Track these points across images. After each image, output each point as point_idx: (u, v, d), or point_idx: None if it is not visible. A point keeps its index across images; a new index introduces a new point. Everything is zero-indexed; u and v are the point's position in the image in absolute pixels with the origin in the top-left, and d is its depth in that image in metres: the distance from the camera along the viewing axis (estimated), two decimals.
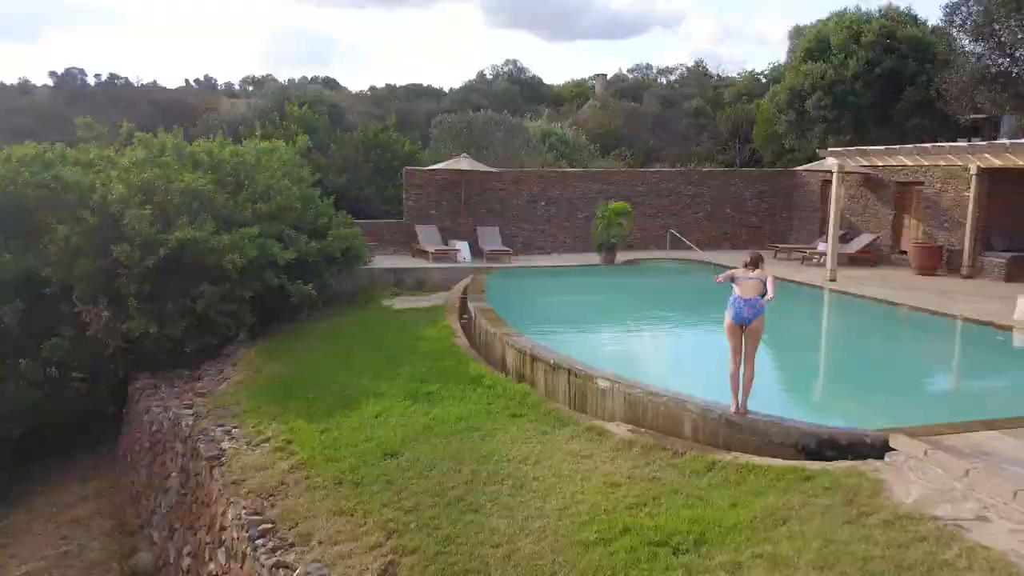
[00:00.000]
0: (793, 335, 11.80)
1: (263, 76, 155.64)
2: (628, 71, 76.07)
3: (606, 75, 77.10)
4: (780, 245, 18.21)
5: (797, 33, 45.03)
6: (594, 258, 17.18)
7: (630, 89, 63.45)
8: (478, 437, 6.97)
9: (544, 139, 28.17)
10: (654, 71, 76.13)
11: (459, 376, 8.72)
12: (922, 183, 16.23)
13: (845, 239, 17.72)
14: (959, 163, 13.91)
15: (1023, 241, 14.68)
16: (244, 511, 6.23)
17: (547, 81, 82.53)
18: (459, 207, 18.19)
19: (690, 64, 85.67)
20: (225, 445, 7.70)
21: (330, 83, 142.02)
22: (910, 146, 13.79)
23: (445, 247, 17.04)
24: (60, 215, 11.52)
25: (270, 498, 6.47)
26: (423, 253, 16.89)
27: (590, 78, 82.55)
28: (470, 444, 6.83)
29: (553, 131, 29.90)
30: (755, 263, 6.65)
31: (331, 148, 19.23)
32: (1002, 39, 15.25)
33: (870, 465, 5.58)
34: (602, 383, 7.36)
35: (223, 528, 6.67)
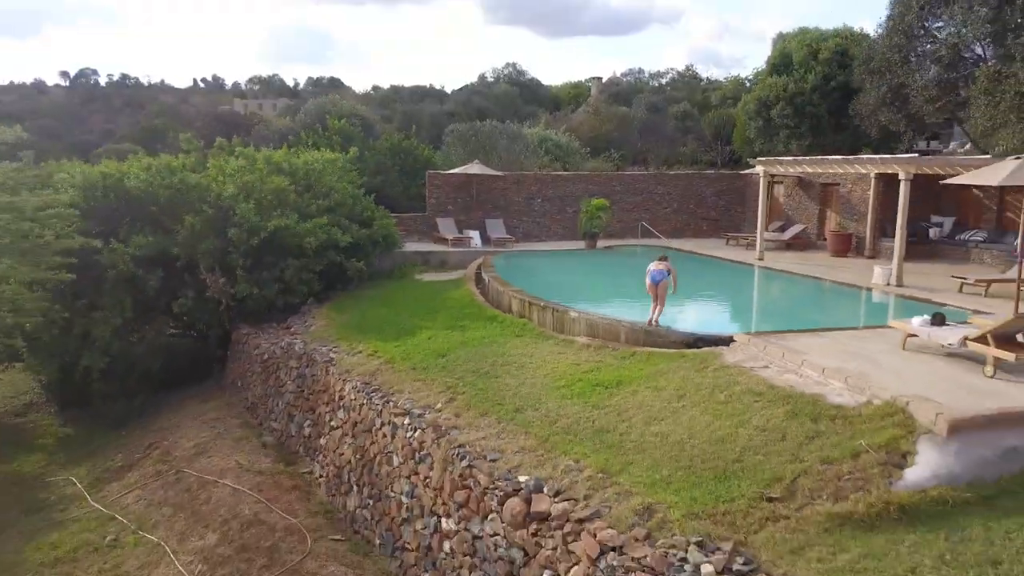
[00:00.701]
0: (718, 292, 16.16)
1: (269, 76, 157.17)
2: (622, 74, 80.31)
3: (602, 78, 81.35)
4: (731, 234, 22.44)
5: (781, 39, 49.57)
6: (579, 244, 21.43)
7: (623, 92, 67.58)
8: (495, 346, 11.24)
9: (541, 144, 32.36)
10: (646, 74, 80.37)
11: (480, 316, 12.99)
12: (838, 184, 20.50)
13: (782, 229, 22.00)
14: (863, 170, 18.14)
15: (912, 230, 18.92)
16: (359, 381, 10.52)
17: (546, 82, 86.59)
18: (471, 203, 22.48)
19: (680, 68, 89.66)
20: (332, 355, 11.99)
21: (335, 83, 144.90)
22: (819, 157, 18.04)
23: (460, 235, 21.30)
24: (184, 209, 15.76)
25: (371, 377, 10.76)
26: (443, 240, 21.15)
27: (587, 80, 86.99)
28: (490, 349, 11.11)
29: (549, 137, 34.09)
30: (663, 259, 11.11)
31: (365, 154, 23.44)
32: (898, 80, 19.51)
33: (720, 349, 9.84)
34: (572, 314, 11.63)
35: (341, 398, 10.95)
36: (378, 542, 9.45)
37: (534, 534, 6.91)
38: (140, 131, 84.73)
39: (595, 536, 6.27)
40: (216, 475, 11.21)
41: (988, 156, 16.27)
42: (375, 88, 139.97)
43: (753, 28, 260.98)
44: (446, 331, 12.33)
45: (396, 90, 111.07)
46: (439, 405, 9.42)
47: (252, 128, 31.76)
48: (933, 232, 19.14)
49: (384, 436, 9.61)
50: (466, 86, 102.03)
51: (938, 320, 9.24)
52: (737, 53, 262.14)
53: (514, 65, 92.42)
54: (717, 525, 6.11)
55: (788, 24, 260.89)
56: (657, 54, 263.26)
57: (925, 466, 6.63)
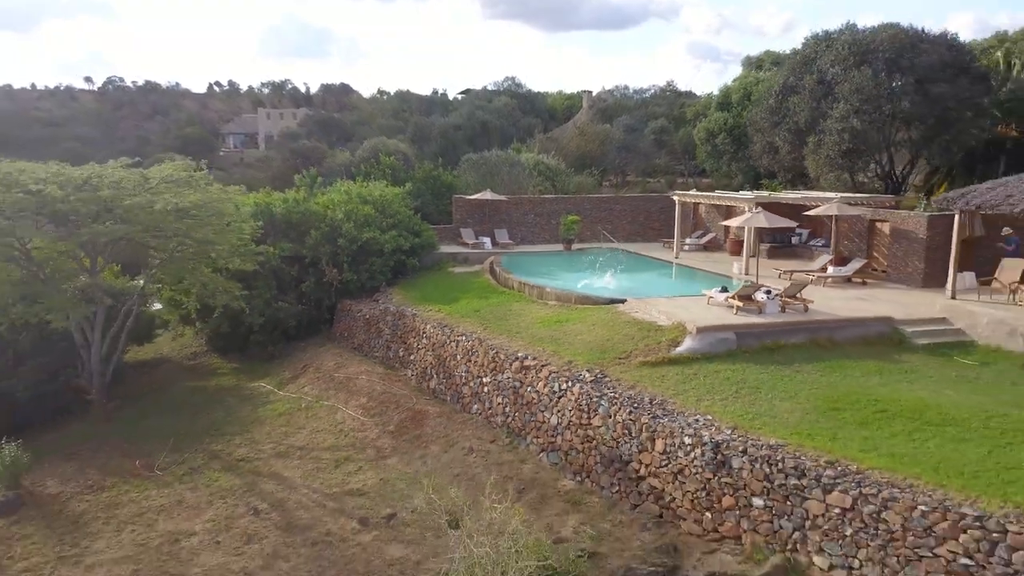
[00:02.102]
0: (637, 276, 25.70)
1: (281, 81, 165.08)
2: (609, 90, 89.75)
3: (592, 91, 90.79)
4: (665, 240, 31.88)
5: (748, 62, 59.42)
6: (559, 247, 30.93)
7: (610, 109, 76.80)
8: (503, 306, 20.78)
9: (535, 167, 41.77)
10: (631, 90, 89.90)
11: (494, 292, 22.53)
12: (734, 206, 30.00)
13: (701, 236, 31.49)
14: (731, 203, 27.60)
15: (780, 238, 28.43)
16: (435, 323, 20.12)
17: (543, 87, 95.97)
18: (484, 218, 31.98)
19: (662, 83, 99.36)
20: (415, 312, 21.56)
21: (346, 89, 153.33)
22: (706, 193, 27.50)
23: (477, 240, 30.78)
24: (309, 225, 25.22)
25: (440, 322, 20.33)
26: (465, 244, 30.63)
27: (579, 91, 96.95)
28: (501, 308, 20.64)
29: (541, 161, 43.50)
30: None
31: (407, 184, 32.88)
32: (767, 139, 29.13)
33: (619, 305, 19.35)
34: (548, 289, 21.19)
35: (424, 333, 20.51)
36: (447, 398, 19.00)
37: (523, 374, 16.50)
38: (175, 139, 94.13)
39: (546, 369, 15.88)
40: (354, 375, 20.77)
41: (816, 193, 25.83)
42: (381, 92, 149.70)
43: (752, 23, 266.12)
44: (475, 299, 21.87)
45: (403, 98, 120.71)
46: (479, 332, 18.97)
47: (323, 160, 41.10)
48: (795, 239, 28.68)
49: (452, 347, 19.17)
50: (469, 92, 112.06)
51: (723, 289, 18.80)
52: (735, 48, 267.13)
53: (513, 79, 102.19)
54: (596, 366, 15.70)
55: (785, 16, 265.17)
56: (655, 50, 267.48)
57: (686, 345, 16.16)
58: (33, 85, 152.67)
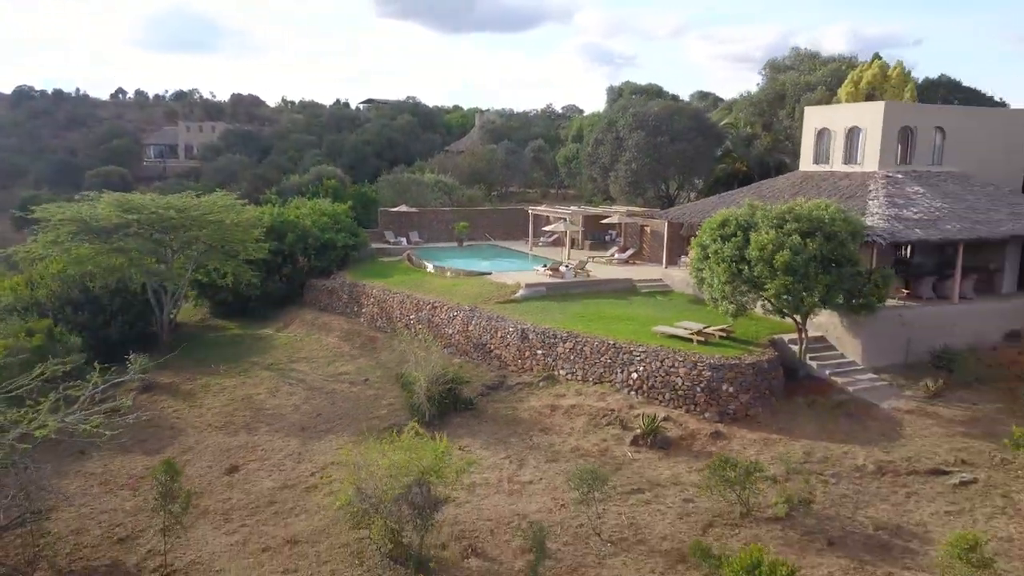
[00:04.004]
0: (502, 262, 40.08)
1: (189, 90, 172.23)
2: (496, 113, 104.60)
3: (483, 111, 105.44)
4: (526, 239, 46.30)
5: (611, 91, 74.79)
6: (455, 244, 44.94)
7: (498, 129, 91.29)
8: (418, 279, 34.67)
9: (436, 185, 55.58)
10: (515, 111, 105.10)
11: (412, 271, 36.42)
12: (561, 216, 44.81)
13: (549, 237, 46.20)
14: (562, 212, 42.40)
15: (599, 237, 43.39)
16: (379, 289, 33.87)
17: (438, 98, 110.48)
18: (401, 223, 45.67)
19: (542, 107, 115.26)
20: (364, 283, 35.15)
21: (255, 100, 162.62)
22: (542, 207, 42.17)
23: (397, 239, 44.40)
24: (287, 230, 38.22)
25: (382, 288, 34.04)
26: (388, 242, 44.20)
27: (471, 109, 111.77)
28: (418, 280, 34.53)
29: (441, 179, 57.35)
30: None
31: (348, 200, 45.95)
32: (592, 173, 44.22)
33: (488, 276, 33.51)
34: (446, 268, 35.22)
35: (371, 295, 34.17)
36: (388, 330, 32.64)
37: (433, 310, 30.48)
38: (104, 151, 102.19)
39: (445, 307, 30.04)
40: (327, 322, 34.16)
41: (615, 208, 40.84)
42: (286, 101, 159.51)
43: (645, 26, 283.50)
44: (400, 275, 35.68)
45: (313, 112, 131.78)
46: (406, 291, 32.77)
47: (281, 181, 53.39)
48: (607, 237, 43.74)
49: (390, 300, 32.87)
50: (372, 102, 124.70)
51: (545, 266, 33.34)
52: (628, 51, 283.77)
53: (414, 98, 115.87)
54: (472, 304, 29.95)
55: (675, 21, 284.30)
56: (551, 52, 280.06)
57: (520, 293, 30.54)
58: None
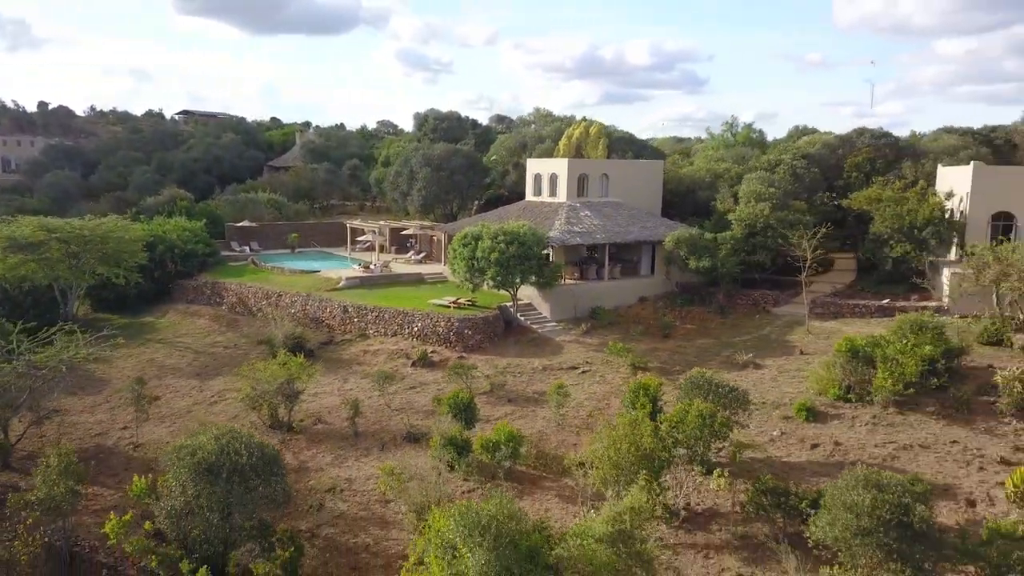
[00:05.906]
0: (327, 263, 53.92)
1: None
2: (318, 128, 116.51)
3: (304, 131, 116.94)
4: (348, 245, 60.10)
5: (418, 117, 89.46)
6: (288, 251, 57.84)
7: (318, 148, 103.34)
8: (264, 277, 47.72)
9: (270, 203, 67.73)
10: (339, 127, 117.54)
11: (258, 272, 49.42)
12: (371, 228, 59.26)
13: (364, 244, 60.36)
14: (373, 226, 56.82)
15: (404, 243, 58.09)
16: (236, 284, 46.68)
17: (258, 117, 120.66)
18: (244, 235, 57.93)
19: (357, 126, 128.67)
20: (223, 281, 47.64)
21: (68, 112, 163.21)
22: (358, 221, 56.42)
23: (241, 248, 56.65)
24: (159, 242, 49.67)
25: (239, 283, 46.77)
26: (234, 250, 56.35)
27: (293, 123, 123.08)
28: (264, 278, 47.57)
29: (273, 197, 69.50)
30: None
31: (202, 218, 57.22)
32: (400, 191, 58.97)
33: (317, 272, 47.22)
34: (285, 268, 48.55)
35: (229, 289, 46.84)
36: (245, 314, 45.44)
37: (277, 298, 43.94)
38: None
39: (287, 295, 43.68)
40: (196, 310, 46.40)
41: (414, 222, 55.77)
42: (97, 110, 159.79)
43: (457, 33, 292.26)
44: (249, 275, 48.56)
45: (123, 118, 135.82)
46: (256, 285, 45.76)
47: (140, 202, 63.06)
48: (410, 244, 58.59)
49: (246, 292, 45.71)
50: (188, 113, 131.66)
51: (359, 265, 47.65)
52: (444, 58, 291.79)
53: (243, 119, 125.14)
54: (307, 292, 43.79)
55: (492, 28, 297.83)
56: (367, 57, 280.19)
57: (341, 284, 44.65)
58: None
